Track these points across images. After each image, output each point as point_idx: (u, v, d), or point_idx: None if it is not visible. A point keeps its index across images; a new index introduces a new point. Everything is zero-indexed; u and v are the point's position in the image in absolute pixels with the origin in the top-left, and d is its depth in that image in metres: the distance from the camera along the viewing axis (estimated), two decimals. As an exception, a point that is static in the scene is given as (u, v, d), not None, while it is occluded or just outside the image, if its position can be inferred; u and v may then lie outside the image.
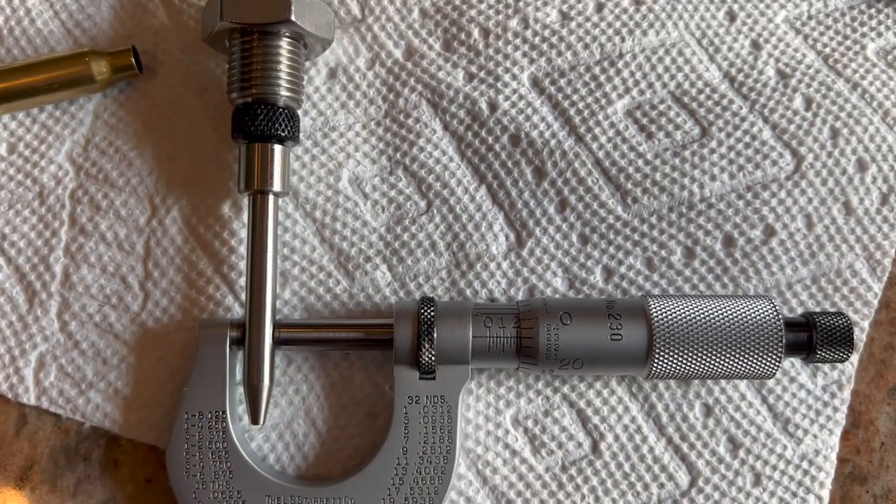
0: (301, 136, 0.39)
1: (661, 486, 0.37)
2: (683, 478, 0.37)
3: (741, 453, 0.37)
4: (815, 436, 0.38)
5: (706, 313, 0.35)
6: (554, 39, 0.40)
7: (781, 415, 0.38)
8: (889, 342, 0.39)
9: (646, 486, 0.37)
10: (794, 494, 0.37)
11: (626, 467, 0.37)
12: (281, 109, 0.36)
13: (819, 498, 0.37)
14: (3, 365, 0.38)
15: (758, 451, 0.37)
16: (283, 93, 0.36)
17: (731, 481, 0.37)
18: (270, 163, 0.36)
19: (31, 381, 0.38)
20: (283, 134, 0.36)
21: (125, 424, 0.37)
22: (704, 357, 0.35)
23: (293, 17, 0.35)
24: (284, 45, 0.36)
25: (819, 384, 0.38)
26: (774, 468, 0.37)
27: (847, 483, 0.38)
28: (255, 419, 0.35)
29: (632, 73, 0.40)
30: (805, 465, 0.37)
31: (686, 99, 0.40)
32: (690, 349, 0.34)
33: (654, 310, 0.35)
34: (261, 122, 0.35)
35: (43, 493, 0.37)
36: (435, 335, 0.35)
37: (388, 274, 0.39)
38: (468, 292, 0.39)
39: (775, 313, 0.35)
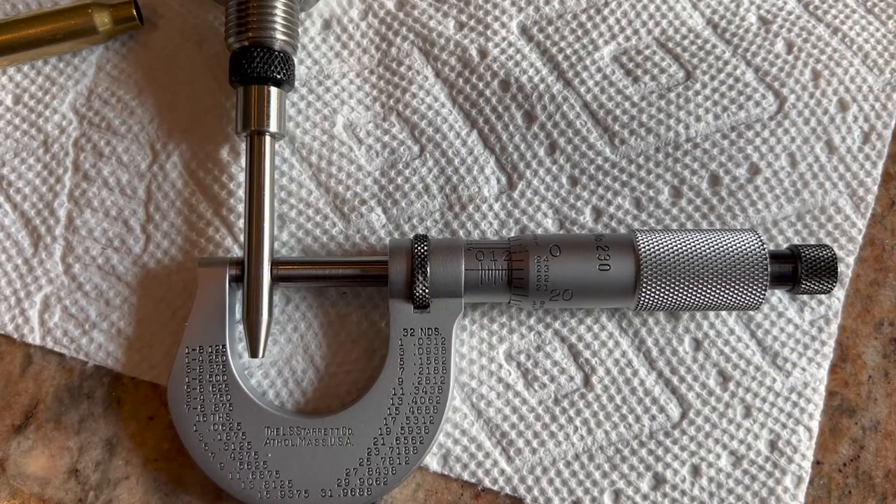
0: (297, 83, 0.40)
1: (653, 418, 0.38)
2: (674, 410, 0.38)
3: (731, 386, 0.38)
4: (803, 369, 0.38)
5: (692, 245, 0.36)
6: (541, -12, 0.42)
7: (770, 348, 0.39)
8: (874, 278, 0.40)
9: (637, 419, 0.38)
10: (784, 426, 0.38)
11: (618, 400, 0.38)
12: (277, 52, 0.37)
13: (808, 429, 0.38)
14: (9, 306, 0.39)
15: (747, 384, 0.38)
16: (279, 36, 0.37)
17: (721, 413, 0.38)
18: (267, 104, 0.37)
19: (36, 322, 0.39)
20: (278, 76, 0.37)
21: (128, 363, 0.38)
22: (691, 288, 0.35)
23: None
24: (279, -10, 0.37)
25: (807, 319, 0.39)
26: (764, 400, 0.38)
27: (836, 415, 0.39)
28: (254, 353, 0.36)
29: (617, 20, 0.42)
30: (794, 397, 0.38)
31: (671, 44, 0.41)
32: (677, 280, 0.35)
33: (641, 242, 0.36)
34: (257, 65, 0.37)
35: (48, 431, 0.38)
36: (428, 269, 0.35)
37: (382, 216, 0.40)
38: (461, 233, 0.40)
39: (760, 245, 0.36)
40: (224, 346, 0.36)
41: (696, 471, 0.37)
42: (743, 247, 0.36)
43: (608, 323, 0.39)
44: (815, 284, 0.36)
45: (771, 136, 0.40)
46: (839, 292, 0.39)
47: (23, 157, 0.40)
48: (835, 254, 0.36)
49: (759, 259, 0.35)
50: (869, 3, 0.42)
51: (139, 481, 0.38)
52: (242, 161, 0.40)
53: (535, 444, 0.38)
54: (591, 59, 0.41)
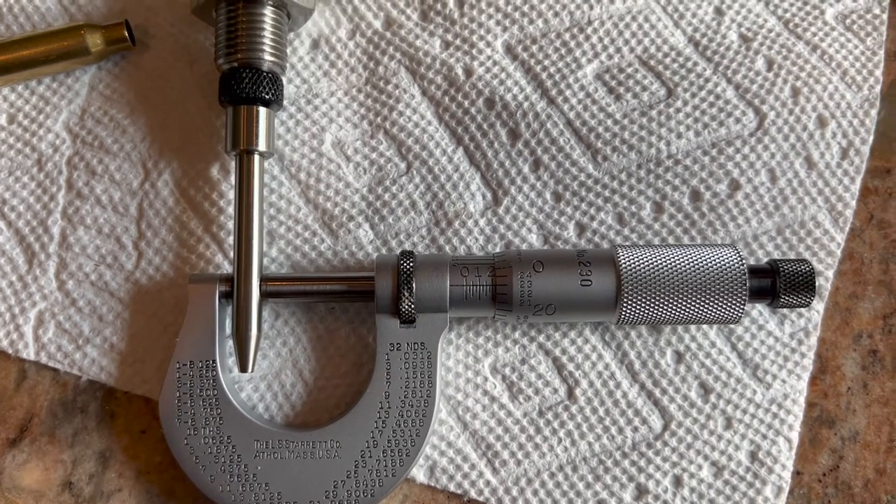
0: (286, 102, 0.41)
1: (636, 429, 0.39)
2: (657, 422, 0.39)
3: (712, 398, 0.39)
4: (783, 381, 0.39)
5: (672, 261, 0.36)
6: (525, 8, 0.43)
7: (751, 361, 0.39)
8: (853, 291, 0.41)
9: (620, 430, 0.39)
10: (765, 437, 0.39)
11: (601, 412, 0.39)
12: (265, 73, 0.38)
13: (788, 440, 0.39)
14: (4, 322, 0.40)
15: (728, 396, 0.39)
16: (267, 58, 0.38)
17: (703, 425, 0.39)
18: (256, 123, 0.38)
19: (31, 338, 0.40)
20: (267, 97, 0.38)
21: (120, 378, 0.39)
22: (671, 302, 0.36)
23: (275, -14, 0.37)
24: (268, 13, 0.38)
25: (787, 331, 0.40)
26: (745, 412, 0.39)
27: (815, 426, 0.40)
28: (243, 367, 0.37)
29: (600, 39, 0.42)
30: (774, 408, 0.39)
31: (652, 62, 0.42)
32: (657, 294, 0.36)
33: (622, 258, 0.36)
34: (246, 85, 0.37)
35: (42, 445, 0.39)
36: (414, 285, 0.36)
37: (370, 232, 0.41)
38: (447, 249, 0.40)
39: (739, 260, 0.36)
40: (214, 360, 0.37)
41: (678, 481, 0.38)
42: (722, 262, 0.36)
43: (591, 336, 0.40)
44: (793, 298, 0.37)
45: (751, 152, 0.41)
46: (818, 305, 0.40)
47: (17, 176, 0.41)
48: (813, 268, 0.37)
49: (738, 274, 0.36)
50: (848, 21, 0.43)
51: (132, 493, 0.38)
52: (232, 179, 0.40)
53: (519, 455, 0.38)
54: (574, 78, 0.42)
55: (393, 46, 0.42)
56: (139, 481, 0.39)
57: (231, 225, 0.40)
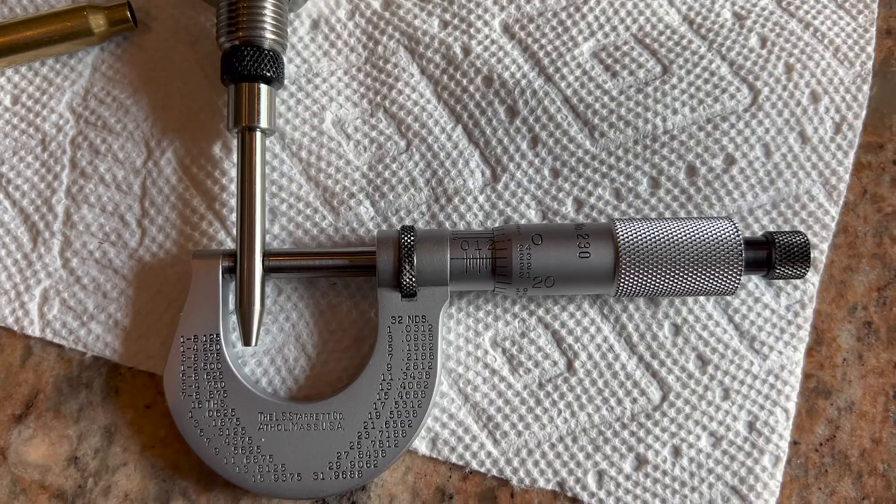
0: (286, 81, 0.42)
1: (634, 400, 0.39)
2: (655, 393, 0.39)
3: (710, 369, 0.39)
4: (780, 352, 0.40)
5: (669, 233, 0.37)
6: (522, -13, 0.43)
7: (747, 333, 0.40)
8: (847, 264, 0.42)
9: (619, 401, 0.39)
10: (762, 407, 0.39)
11: (600, 384, 0.39)
12: (266, 51, 0.38)
13: (786, 410, 0.39)
14: (9, 300, 0.40)
15: (726, 367, 0.39)
16: (269, 36, 0.38)
17: (700, 395, 0.39)
18: (257, 101, 0.38)
19: (36, 315, 0.40)
20: (268, 74, 0.38)
21: (125, 353, 0.40)
22: (668, 274, 0.36)
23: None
24: (269, -8, 0.39)
25: (783, 304, 0.40)
26: (742, 383, 0.39)
27: (812, 397, 0.40)
28: (247, 341, 0.37)
29: (596, 18, 0.43)
30: (771, 379, 0.39)
31: (648, 40, 0.43)
32: (655, 266, 0.36)
33: (619, 231, 0.37)
34: (248, 63, 0.38)
35: (48, 420, 0.39)
36: (415, 259, 0.37)
37: (371, 209, 0.41)
38: (447, 225, 0.41)
39: (735, 232, 0.37)
40: (218, 335, 0.37)
41: (676, 451, 0.39)
42: (718, 234, 0.37)
43: (590, 309, 0.40)
44: (789, 270, 0.37)
45: (746, 127, 0.41)
46: (814, 278, 0.41)
47: (21, 156, 0.41)
48: (808, 239, 0.37)
49: (734, 245, 0.36)
50: (840, -1, 0.44)
51: (137, 467, 0.39)
52: (234, 157, 0.41)
53: (520, 427, 0.39)
54: (570, 56, 0.42)
55: (392, 26, 0.43)
56: (144, 455, 0.39)
57: (233, 202, 0.41)
